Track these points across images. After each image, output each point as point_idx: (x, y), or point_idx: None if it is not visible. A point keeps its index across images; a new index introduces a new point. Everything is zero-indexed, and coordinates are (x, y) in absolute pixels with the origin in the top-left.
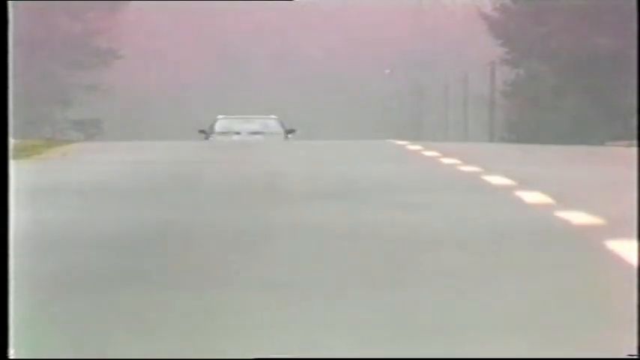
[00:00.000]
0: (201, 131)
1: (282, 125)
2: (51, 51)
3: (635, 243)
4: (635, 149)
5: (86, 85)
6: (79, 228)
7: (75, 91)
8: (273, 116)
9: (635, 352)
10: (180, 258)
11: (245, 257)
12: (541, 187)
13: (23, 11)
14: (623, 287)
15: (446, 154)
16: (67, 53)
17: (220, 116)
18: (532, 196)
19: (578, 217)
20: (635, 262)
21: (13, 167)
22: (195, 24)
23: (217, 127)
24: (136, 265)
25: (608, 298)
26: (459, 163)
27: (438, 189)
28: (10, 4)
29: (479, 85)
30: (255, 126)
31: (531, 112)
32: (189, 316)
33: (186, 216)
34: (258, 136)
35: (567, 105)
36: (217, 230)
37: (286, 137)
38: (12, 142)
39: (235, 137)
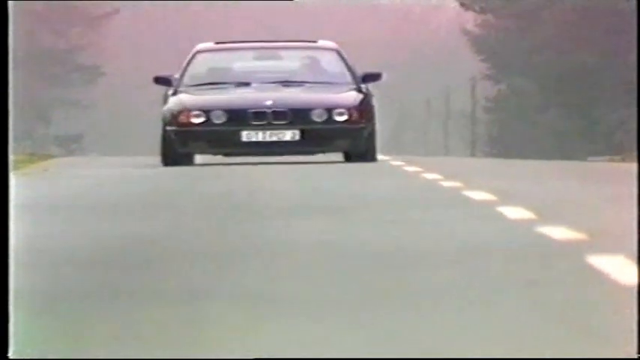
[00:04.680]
0: (159, 80)
1: (349, 65)
2: (33, 67)
3: (617, 258)
4: (617, 165)
5: (68, 100)
6: (60, 242)
7: (57, 107)
8: (326, 43)
9: (634, 353)
10: (160, 273)
11: (227, 272)
12: (523, 202)
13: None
14: (606, 302)
15: (427, 170)
16: (49, 69)
17: (202, 45)
18: (514, 212)
19: (560, 233)
20: (617, 276)
21: None
22: (181, 38)
23: (196, 69)
24: (116, 280)
25: (592, 313)
26: (441, 179)
27: (419, 205)
28: (10, 4)
29: (460, 101)
30: (288, 64)
31: (513, 127)
32: (171, 328)
33: (166, 231)
34: (293, 91)
35: (549, 120)
36: (199, 245)
37: (364, 91)
38: None
39: (236, 95)
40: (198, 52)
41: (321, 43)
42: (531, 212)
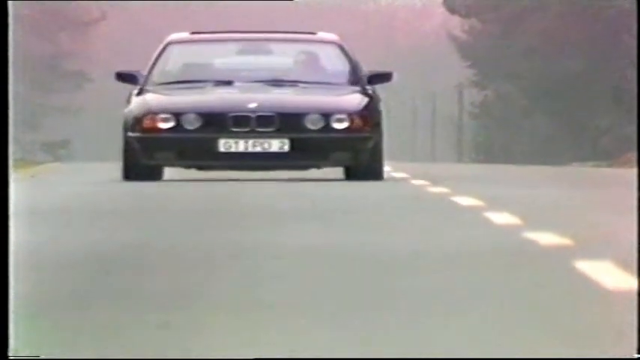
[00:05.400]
0: (122, 77)
1: (354, 62)
2: (20, 72)
3: (603, 263)
4: (603, 170)
5: (56, 106)
6: (47, 249)
7: (44, 113)
8: (327, 35)
9: (634, 353)
10: (149, 279)
11: (214, 278)
12: (509, 207)
13: None
14: (594, 305)
15: (414, 175)
16: (36, 75)
17: (175, 36)
18: (500, 217)
19: (546, 238)
20: (604, 281)
21: None
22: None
23: (167, 65)
24: (105, 286)
25: (581, 316)
26: (428, 184)
27: (406, 210)
28: (10, 4)
29: (447, 107)
30: (280, 60)
31: (499, 133)
32: (168, 329)
33: (154, 237)
34: (284, 92)
35: (535, 126)
36: (187, 251)
37: (370, 93)
38: None
39: (214, 96)
40: (171, 43)
41: (320, 35)
42: (518, 218)
